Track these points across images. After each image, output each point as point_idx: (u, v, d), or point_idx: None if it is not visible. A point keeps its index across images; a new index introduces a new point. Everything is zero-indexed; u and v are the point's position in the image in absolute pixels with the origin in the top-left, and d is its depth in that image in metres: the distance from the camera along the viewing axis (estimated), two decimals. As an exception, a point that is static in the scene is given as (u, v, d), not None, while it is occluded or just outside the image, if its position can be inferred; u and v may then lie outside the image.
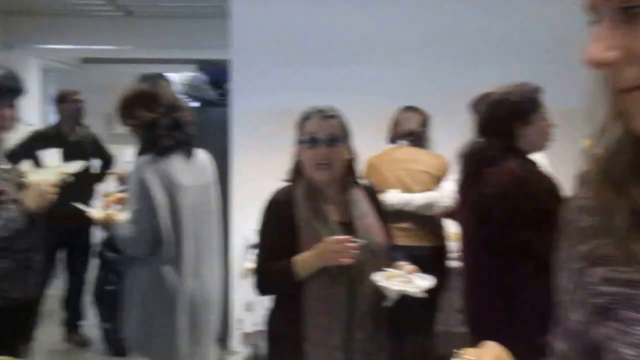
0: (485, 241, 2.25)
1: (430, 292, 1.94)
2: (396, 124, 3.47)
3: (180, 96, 2.89)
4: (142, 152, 2.57)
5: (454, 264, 3.20)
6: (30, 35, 6.74)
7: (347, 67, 3.90)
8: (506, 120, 2.26)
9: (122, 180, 4.20)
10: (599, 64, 0.60)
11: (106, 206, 2.68)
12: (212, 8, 5.67)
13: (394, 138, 3.46)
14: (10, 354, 2.22)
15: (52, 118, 5.75)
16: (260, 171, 3.72)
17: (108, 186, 4.60)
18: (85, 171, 3.02)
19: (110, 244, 2.73)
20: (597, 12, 0.61)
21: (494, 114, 2.28)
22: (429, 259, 2.80)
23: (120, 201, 2.71)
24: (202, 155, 2.72)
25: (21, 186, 2.29)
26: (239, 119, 3.95)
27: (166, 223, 2.48)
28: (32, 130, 4.43)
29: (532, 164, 2.24)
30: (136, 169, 2.47)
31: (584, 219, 0.72)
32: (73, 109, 4.55)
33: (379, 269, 1.96)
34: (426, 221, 3.27)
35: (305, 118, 2.05)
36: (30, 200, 2.25)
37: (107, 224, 2.58)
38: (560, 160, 2.83)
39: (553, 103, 2.33)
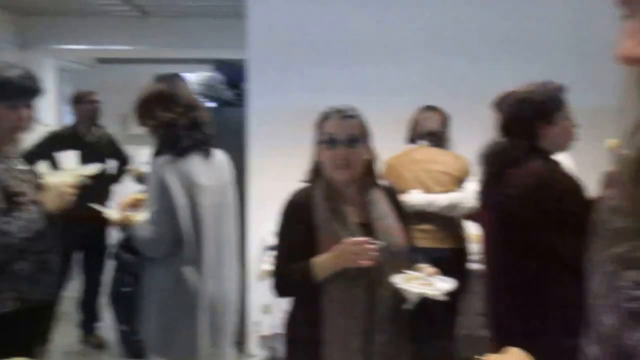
0: (508, 243, 2.24)
1: (451, 295, 1.94)
2: (415, 123, 3.46)
3: (197, 96, 2.90)
4: (159, 152, 2.59)
5: (475, 266, 3.19)
6: (46, 36, 6.80)
7: (365, 66, 3.90)
8: (529, 120, 2.24)
9: (138, 179, 4.23)
10: (631, 60, 0.59)
11: (123, 207, 2.69)
12: (229, 7, 5.69)
13: (414, 138, 3.45)
14: (26, 355, 2.24)
15: (68, 118, 5.80)
16: (277, 172, 3.73)
17: (124, 187, 4.63)
18: (102, 172, 3.04)
19: (126, 245, 2.73)
20: (629, 6, 0.60)
21: (516, 114, 2.27)
22: (450, 261, 2.79)
23: (137, 202, 2.73)
24: (220, 156, 2.73)
25: (39, 187, 2.31)
26: (255, 119, 3.96)
27: (187, 223, 2.49)
28: (49, 131, 4.47)
29: (556, 164, 2.22)
30: (155, 170, 2.49)
31: (617, 221, 0.71)
32: (89, 109, 4.59)
33: (398, 271, 1.96)
34: (447, 223, 3.26)
35: (325, 118, 2.05)
36: (50, 202, 2.27)
37: (125, 225, 2.60)
38: (584, 161, 2.82)
39: (577, 102, 2.31)
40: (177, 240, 2.49)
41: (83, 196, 2.43)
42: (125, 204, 2.71)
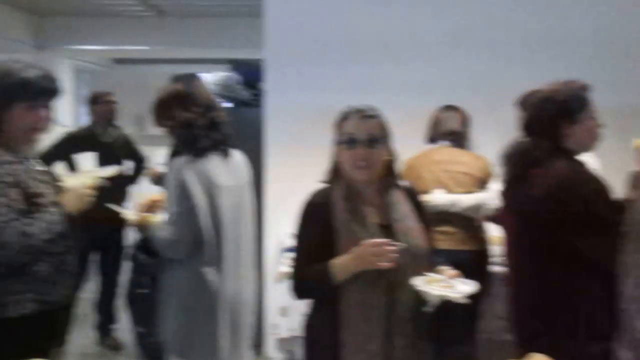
0: (531, 246, 2.22)
1: (472, 298, 1.92)
2: (435, 123, 3.45)
3: (214, 96, 2.91)
4: (177, 153, 2.60)
5: (496, 269, 3.17)
6: (62, 36, 6.88)
7: (383, 65, 3.89)
8: (552, 119, 2.22)
9: (155, 180, 4.25)
10: None
11: (140, 208, 2.70)
12: (245, 7, 5.72)
13: (433, 138, 3.44)
14: (43, 357, 2.26)
15: (84, 119, 5.85)
16: (294, 173, 3.74)
17: (141, 188, 4.66)
18: (119, 173, 3.06)
19: (143, 246, 2.75)
20: None
21: (539, 113, 2.25)
22: (471, 263, 2.77)
23: (154, 203, 2.74)
24: (237, 156, 2.74)
25: (58, 189, 2.33)
26: (273, 120, 3.97)
27: (207, 224, 2.51)
28: (65, 132, 4.51)
29: (581, 164, 2.20)
30: (174, 170, 2.50)
31: None
32: (106, 110, 4.62)
33: (419, 273, 1.95)
34: (468, 224, 3.24)
35: (344, 118, 2.05)
36: (69, 204, 2.29)
37: (142, 226, 2.61)
38: (610, 161, 2.79)
39: (603, 101, 2.29)
40: (197, 240, 2.50)
41: (100, 197, 2.45)
42: (142, 205, 2.72)
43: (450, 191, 3.23)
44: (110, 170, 2.74)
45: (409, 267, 1.95)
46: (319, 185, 2.13)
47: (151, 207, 2.71)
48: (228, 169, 2.64)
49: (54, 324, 2.38)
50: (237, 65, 4.55)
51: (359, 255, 1.91)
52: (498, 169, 2.48)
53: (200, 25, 6.54)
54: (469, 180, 3.26)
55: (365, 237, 1.92)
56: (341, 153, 2.03)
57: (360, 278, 1.93)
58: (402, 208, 2.06)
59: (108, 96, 4.66)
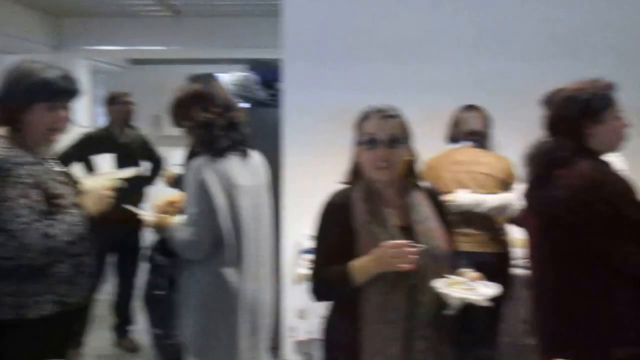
0: (555, 248, 2.20)
1: (494, 300, 1.91)
2: (456, 123, 3.43)
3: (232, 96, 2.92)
4: (195, 153, 2.61)
5: (518, 271, 3.15)
6: (79, 37, 6.93)
7: (402, 64, 3.88)
8: (576, 119, 2.21)
9: (171, 182, 4.27)
10: None
11: (158, 209, 2.72)
12: (263, 6, 5.73)
13: (454, 138, 3.42)
14: (61, 358, 2.28)
15: (101, 119, 5.89)
16: (312, 173, 3.74)
17: (158, 189, 4.68)
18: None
19: (160, 247, 2.76)
20: None
21: (563, 112, 2.23)
22: (492, 266, 2.75)
23: (172, 204, 2.75)
24: (256, 156, 2.75)
25: (77, 190, 2.35)
26: (290, 120, 3.97)
27: (226, 224, 2.52)
28: (83, 133, 4.55)
29: (606, 165, 2.18)
30: (193, 170, 2.51)
31: None
32: (123, 110, 4.65)
33: (440, 275, 1.94)
34: (489, 226, 3.23)
35: (364, 118, 2.05)
36: (89, 205, 2.32)
37: (160, 227, 2.62)
38: (636, 162, 2.76)
39: (629, 101, 2.26)
40: (217, 241, 2.51)
41: (117, 198, 2.47)
42: (159, 206, 2.73)
43: (472, 192, 3.21)
44: (129, 172, 2.76)
45: (430, 269, 1.94)
46: (338, 186, 2.13)
47: (169, 208, 2.72)
48: (247, 169, 2.65)
49: (71, 325, 2.41)
50: (254, 65, 4.58)
51: (378, 257, 1.90)
52: (520, 170, 2.46)
53: (217, 25, 6.55)
54: (490, 182, 3.24)
55: (386, 239, 1.92)
56: (361, 153, 2.03)
57: (380, 280, 1.93)
58: (423, 209, 2.05)
59: (125, 97, 4.68)
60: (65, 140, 3.86)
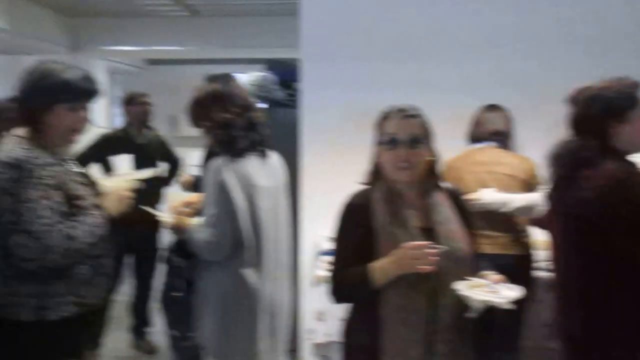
0: (580, 251, 2.19)
1: (517, 304, 1.90)
2: (478, 123, 3.41)
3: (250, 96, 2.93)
4: (212, 154, 2.62)
5: (541, 274, 3.13)
6: (96, 37, 6.99)
7: (424, 63, 3.86)
8: (600, 118, 2.19)
9: (187, 186, 4.29)
10: None
11: (175, 210, 2.73)
12: (281, 5, 5.74)
13: (476, 138, 3.40)
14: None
15: (118, 120, 5.94)
16: (331, 175, 3.73)
17: (175, 190, 4.71)
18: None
19: (178, 249, 2.78)
20: None
21: (587, 111, 2.22)
22: (514, 268, 2.74)
23: (189, 205, 2.77)
24: (274, 157, 2.76)
25: (96, 191, 2.37)
26: (309, 120, 3.97)
27: (246, 225, 2.52)
28: (100, 134, 4.58)
29: (632, 165, 2.16)
30: (213, 171, 2.52)
31: None
32: (141, 111, 4.68)
33: (462, 277, 1.93)
34: (512, 228, 3.21)
35: (385, 117, 2.05)
36: (110, 206, 2.34)
37: (178, 228, 2.64)
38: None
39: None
40: (236, 242, 2.52)
41: (135, 199, 2.49)
42: (176, 207, 2.74)
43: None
44: (147, 173, 2.78)
45: (451, 271, 1.94)
46: (358, 187, 2.13)
47: (185, 209, 2.73)
48: (265, 170, 2.65)
49: (90, 326, 2.43)
50: (272, 65, 4.58)
51: (398, 258, 1.90)
52: (544, 171, 2.45)
53: (235, 24, 6.57)
54: (513, 183, 3.21)
55: (406, 240, 1.91)
56: (382, 154, 2.03)
57: (400, 282, 1.93)
58: (445, 210, 2.04)
59: (143, 97, 4.70)
60: (83, 141, 3.90)
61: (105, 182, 2.53)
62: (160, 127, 5.12)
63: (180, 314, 2.99)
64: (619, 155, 2.16)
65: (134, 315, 4.81)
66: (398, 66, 3.87)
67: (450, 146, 2.66)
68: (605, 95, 2.19)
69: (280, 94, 4.41)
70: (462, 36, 3.86)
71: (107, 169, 4.30)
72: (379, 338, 1.96)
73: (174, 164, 4.86)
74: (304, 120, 3.98)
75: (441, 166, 2.12)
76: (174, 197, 3.28)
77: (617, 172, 2.11)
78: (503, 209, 3.11)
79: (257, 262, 2.59)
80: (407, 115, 2.02)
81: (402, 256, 1.89)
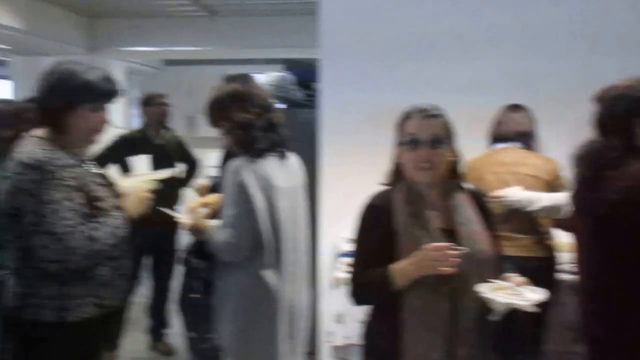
0: (604, 253, 2.17)
1: (540, 307, 1.89)
2: (500, 123, 3.39)
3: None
4: (231, 154, 2.63)
5: (564, 276, 3.10)
6: (114, 38, 7.05)
7: (444, 63, 3.85)
8: (625, 118, 2.18)
9: (201, 192, 4.31)
10: None
11: (192, 210, 2.74)
12: (299, 4, 5.74)
13: (498, 139, 3.38)
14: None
15: (135, 121, 5.98)
16: (350, 175, 3.74)
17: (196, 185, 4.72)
18: (171, 176, 3.12)
19: (196, 250, 2.79)
20: None
21: (612, 110, 2.20)
22: (538, 270, 2.73)
23: (206, 206, 2.78)
24: (292, 158, 2.76)
25: (115, 192, 2.39)
26: (328, 120, 3.97)
27: (266, 226, 2.53)
28: (118, 134, 4.61)
29: (658, 166, 2.14)
30: (232, 172, 2.53)
31: None
32: (159, 112, 4.69)
33: (484, 280, 1.92)
34: (534, 230, 3.19)
35: (406, 117, 2.04)
36: (130, 207, 2.35)
37: (196, 230, 2.65)
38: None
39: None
40: (256, 243, 2.52)
41: (153, 200, 2.51)
42: (193, 208, 2.75)
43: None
44: (165, 173, 2.79)
45: (474, 274, 1.93)
46: (379, 188, 2.13)
47: (203, 209, 2.74)
48: (284, 171, 2.66)
49: (108, 328, 2.44)
50: (290, 65, 4.58)
51: (419, 260, 1.90)
52: (568, 172, 2.43)
53: (253, 24, 6.59)
54: (536, 184, 3.19)
55: (427, 242, 1.91)
56: (403, 154, 2.03)
57: (421, 284, 1.92)
58: (467, 211, 2.04)
59: (161, 98, 4.72)
60: (101, 141, 3.93)
61: (123, 183, 2.55)
62: (178, 127, 5.14)
63: (198, 316, 3.00)
64: (646, 156, 2.14)
65: (151, 317, 4.84)
66: (418, 66, 3.87)
67: (470, 147, 2.65)
68: (630, 95, 2.17)
69: (298, 94, 4.41)
70: (483, 35, 3.84)
71: (125, 169, 4.33)
72: (400, 341, 1.96)
73: (192, 165, 4.88)
74: (323, 120, 3.98)
75: (463, 167, 2.11)
76: (192, 198, 3.29)
77: (643, 173, 2.09)
78: (529, 208, 3.09)
79: (276, 264, 2.59)
80: (429, 115, 2.01)
81: (423, 258, 1.89)
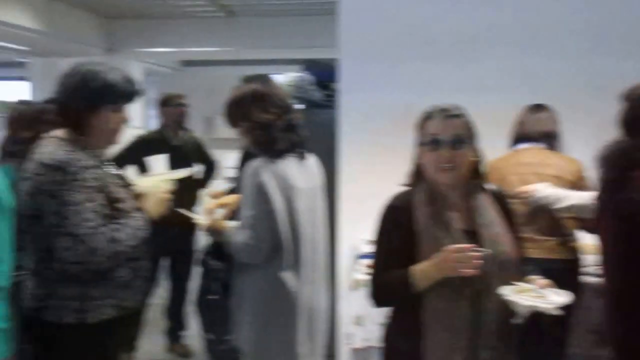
0: (630, 255, 2.15)
1: (564, 310, 1.87)
2: (522, 124, 3.37)
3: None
4: (250, 155, 2.64)
5: (589, 279, 3.08)
6: (131, 38, 7.10)
7: (464, 62, 3.83)
8: None
9: (217, 198, 4.31)
10: None
11: (210, 212, 2.74)
12: (318, 4, 5.75)
13: (520, 139, 3.36)
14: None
15: (153, 122, 6.01)
16: (369, 177, 3.72)
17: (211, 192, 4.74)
18: (189, 177, 3.14)
19: (213, 251, 2.80)
20: None
21: (638, 110, 2.18)
22: (562, 273, 2.71)
23: (225, 206, 2.78)
24: (311, 159, 2.76)
25: (134, 193, 2.40)
26: (347, 121, 3.97)
27: (285, 227, 2.53)
28: (136, 135, 4.64)
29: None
30: (251, 172, 2.53)
31: None
32: (177, 112, 4.72)
33: (507, 282, 1.91)
34: (559, 232, 3.16)
35: (427, 118, 2.04)
36: (150, 208, 2.37)
37: (214, 231, 2.65)
38: None
39: None
40: (275, 244, 2.52)
41: (171, 201, 2.52)
42: (210, 209, 2.76)
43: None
44: (183, 172, 2.80)
45: (496, 276, 1.92)
46: (398, 189, 2.12)
47: (222, 211, 2.75)
48: (303, 172, 2.66)
49: (126, 329, 2.46)
50: (309, 65, 4.58)
51: (441, 261, 1.89)
52: (592, 173, 2.41)
53: (271, 25, 6.60)
54: (560, 184, 3.15)
55: (449, 243, 1.90)
56: (424, 154, 2.02)
57: (443, 286, 1.91)
58: (489, 213, 2.03)
59: (179, 99, 4.75)
60: (120, 142, 3.95)
61: (141, 182, 2.56)
62: (195, 128, 5.17)
63: (216, 317, 3.01)
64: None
65: (169, 318, 4.86)
66: (438, 66, 3.85)
67: (491, 147, 2.64)
68: (657, 94, 2.15)
69: (317, 94, 4.41)
70: (505, 35, 3.82)
71: (143, 170, 4.35)
72: (420, 344, 1.95)
73: (210, 166, 4.90)
74: (342, 121, 3.98)
75: (485, 167, 2.10)
76: (210, 199, 3.31)
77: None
78: (556, 205, 3.05)
79: (295, 265, 2.59)
80: (450, 115, 2.00)
81: (445, 259, 1.88)
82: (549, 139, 3.32)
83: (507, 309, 1.88)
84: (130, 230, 2.23)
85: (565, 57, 3.75)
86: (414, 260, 1.95)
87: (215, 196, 4.32)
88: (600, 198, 2.34)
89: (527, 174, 3.20)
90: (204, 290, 4.35)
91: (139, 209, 2.32)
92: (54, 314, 2.19)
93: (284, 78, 4.43)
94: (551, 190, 3.06)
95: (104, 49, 7.01)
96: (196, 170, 4.39)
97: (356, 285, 3.48)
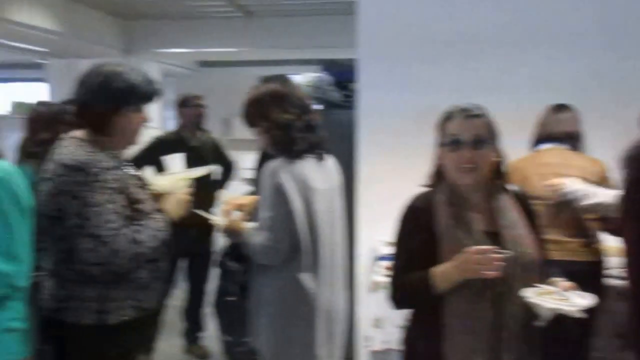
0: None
1: (587, 312, 1.86)
2: (544, 124, 3.35)
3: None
4: (267, 156, 2.64)
5: (613, 282, 3.05)
6: (149, 39, 7.14)
7: (484, 63, 3.81)
8: None
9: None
10: None
11: (227, 213, 2.75)
12: (337, 4, 5.75)
13: (543, 140, 3.34)
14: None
15: (170, 123, 6.04)
16: (388, 178, 3.72)
17: (228, 193, 4.76)
18: (206, 177, 3.15)
19: (231, 253, 2.80)
20: None
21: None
22: (585, 275, 2.69)
23: (241, 207, 2.78)
24: (329, 160, 2.76)
25: (153, 194, 2.41)
26: (366, 122, 3.97)
27: (303, 229, 2.53)
28: (154, 136, 4.67)
29: None
30: (270, 173, 2.53)
31: None
32: (194, 113, 4.74)
33: (530, 284, 1.90)
34: (582, 233, 3.14)
35: (448, 118, 2.03)
36: (170, 209, 2.38)
37: (232, 232, 2.66)
38: None
39: None
40: (294, 246, 2.52)
41: (190, 202, 2.53)
42: (227, 210, 2.76)
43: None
44: (200, 171, 2.81)
45: (518, 278, 1.92)
46: (418, 190, 2.11)
47: (239, 212, 2.75)
48: (321, 173, 2.65)
49: (144, 330, 2.47)
50: (327, 65, 4.58)
51: (462, 263, 1.88)
52: (616, 174, 2.39)
53: (289, 25, 6.61)
54: (583, 186, 3.14)
55: (470, 245, 1.89)
56: (444, 155, 2.02)
57: (464, 288, 1.91)
58: (511, 214, 2.02)
59: (197, 99, 4.77)
60: (138, 143, 3.97)
61: (158, 181, 2.57)
62: (213, 129, 5.18)
63: (233, 319, 3.02)
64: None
65: (187, 320, 4.88)
66: (457, 66, 3.84)
67: (513, 148, 2.63)
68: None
69: (336, 95, 4.41)
70: (526, 34, 3.80)
71: (160, 171, 4.37)
72: (441, 346, 1.95)
73: (227, 167, 4.91)
74: (361, 121, 3.98)
75: (507, 168, 2.08)
76: (227, 200, 3.32)
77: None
78: (584, 202, 3.01)
79: (313, 267, 2.59)
80: (471, 115, 2.00)
81: (466, 261, 1.87)
82: (572, 139, 3.29)
83: (529, 311, 1.87)
84: (151, 231, 2.24)
85: (597, 56, 3.71)
86: (434, 262, 1.95)
87: (230, 207, 4.34)
88: (624, 199, 2.32)
89: (550, 174, 3.17)
90: (222, 292, 4.36)
91: (159, 210, 2.33)
92: (74, 315, 2.20)
93: (302, 78, 4.43)
94: (580, 186, 3.03)
95: (121, 50, 7.06)
96: (213, 169, 4.41)
97: (375, 287, 3.47)
